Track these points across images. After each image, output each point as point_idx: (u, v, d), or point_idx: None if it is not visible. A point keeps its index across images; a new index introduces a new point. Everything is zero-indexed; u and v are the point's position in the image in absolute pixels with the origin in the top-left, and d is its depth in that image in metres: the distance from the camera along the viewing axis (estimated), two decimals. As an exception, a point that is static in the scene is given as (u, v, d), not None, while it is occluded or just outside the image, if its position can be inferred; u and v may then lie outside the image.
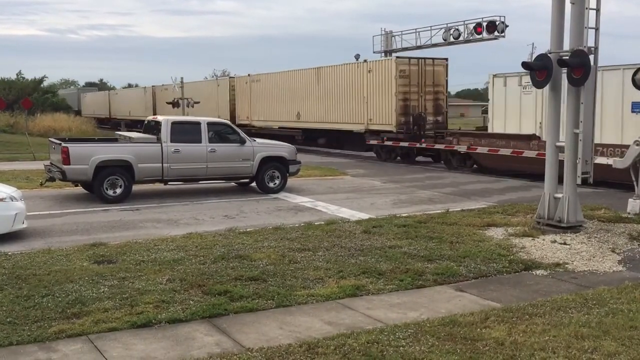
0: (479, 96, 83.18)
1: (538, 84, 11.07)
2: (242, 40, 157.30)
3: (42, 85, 63.10)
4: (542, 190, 11.23)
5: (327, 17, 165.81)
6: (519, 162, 18.89)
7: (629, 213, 12.01)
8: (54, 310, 6.53)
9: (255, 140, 16.32)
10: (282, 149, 16.61)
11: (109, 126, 54.58)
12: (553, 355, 5.41)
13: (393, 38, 31.08)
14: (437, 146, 22.61)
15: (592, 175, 10.61)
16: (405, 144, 24.01)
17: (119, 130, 40.73)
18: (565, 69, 10.50)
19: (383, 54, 30.66)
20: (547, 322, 6.24)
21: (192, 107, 34.27)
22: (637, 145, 11.65)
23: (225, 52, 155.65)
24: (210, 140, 15.35)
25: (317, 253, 9.08)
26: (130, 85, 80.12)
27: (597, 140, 12.84)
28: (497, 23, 25.54)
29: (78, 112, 62.10)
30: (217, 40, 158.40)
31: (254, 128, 33.81)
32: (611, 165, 13.00)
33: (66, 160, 13.77)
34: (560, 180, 10.85)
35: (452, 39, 27.12)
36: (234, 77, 39.70)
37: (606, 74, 16.29)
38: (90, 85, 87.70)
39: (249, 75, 36.03)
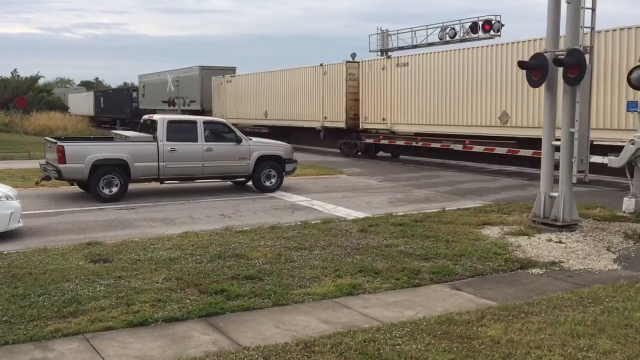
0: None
1: (534, 83, 11.09)
2: (237, 39, 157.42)
3: (37, 84, 62.84)
4: (537, 189, 11.27)
5: (322, 16, 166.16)
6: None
7: (624, 212, 12.05)
8: (50, 309, 6.52)
9: (251, 139, 16.33)
10: (278, 147, 16.62)
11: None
12: (549, 354, 5.43)
13: (389, 37, 31.13)
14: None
15: (587, 174, 10.65)
16: (402, 142, 24.09)
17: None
18: (561, 68, 10.53)
19: (379, 53, 30.69)
20: (543, 321, 6.26)
21: (189, 106, 34.49)
22: (632, 144, 11.68)
23: (220, 51, 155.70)
24: (207, 139, 15.34)
25: (314, 252, 9.09)
26: (125, 84, 77.28)
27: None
28: (492, 22, 25.61)
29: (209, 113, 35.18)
30: (212, 39, 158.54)
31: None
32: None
33: (62, 159, 13.74)
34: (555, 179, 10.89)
35: (448, 38, 27.19)
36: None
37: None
38: (85, 85, 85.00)
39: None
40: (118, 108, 50.40)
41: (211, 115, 36.36)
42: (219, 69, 39.16)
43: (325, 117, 27.80)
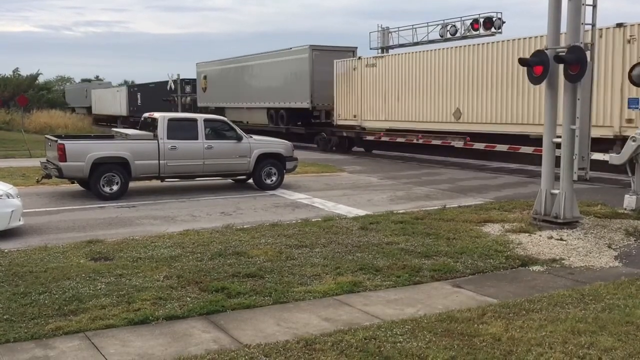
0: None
1: (535, 80, 11.07)
2: (237, 37, 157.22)
3: (37, 82, 62.77)
4: (538, 187, 11.26)
5: (321, 13, 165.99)
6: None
7: (625, 209, 12.04)
8: (50, 307, 6.52)
9: (252, 137, 16.34)
10: (278, 145, 16.63)
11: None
12: (550, 351, 5.43)
13: (390, 34, 31.07)
14: None
15: (588, 171, 10.64)
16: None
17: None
18: (562, 65, 10.51)
19: (380, 51, 30.62)
20: (544, 318, 6.26)
21: (189, 103, 33.43)
22: (634, 141, 11.66)
23: (221, 49, 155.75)
24: (207, 137, 15.35)
25: (314, 249, 9.09)
26: (126, 82, 76.42)
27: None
28: (493, 19, 25.55)
29: None
30: (212, 37, 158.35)
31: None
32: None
33: (62, 157, 13.74)
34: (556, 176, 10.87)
35: (449, 35, 27.12)
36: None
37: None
38: (86, 81, 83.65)
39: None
40: (163, 106, 38.35)
41: (330, 117, 27.47)
42: (337, 49, 28.35)
43: (630, 120, 15.60)
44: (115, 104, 50.52)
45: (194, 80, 39.63)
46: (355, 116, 25.55)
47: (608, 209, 12.18)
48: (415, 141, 22.53)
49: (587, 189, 14.93)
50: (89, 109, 56.23)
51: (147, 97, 45.02)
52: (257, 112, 28.95)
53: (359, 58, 25.52)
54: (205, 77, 35.76)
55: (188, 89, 39.80)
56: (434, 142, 21.80)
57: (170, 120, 15.23)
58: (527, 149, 18.31)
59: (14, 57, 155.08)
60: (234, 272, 7.83)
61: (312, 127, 28.67)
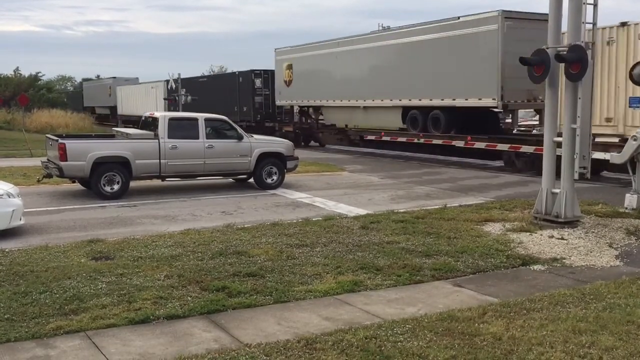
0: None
1: (536, 79, 11.07)
2: (238, 36, 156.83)
3: (38, 82, 62.76)
4: (539, 186, 11.25)
5: (321, 13, 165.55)
6: None
7: (626, 208, 12.02)
8: (51, 307, 6.52)
9: (252, 137, 16.35)
10: (279, 144, 16.63)
11: None
12: (551, 350, 5.43)
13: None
14: None
15: (589, 170, 10.63)
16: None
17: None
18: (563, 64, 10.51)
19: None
20: (545, 317, 6.26)
21: (189, 102, 33.03)
22: (635, 140, 11.64)
23: (222, 48, 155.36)
24: (208, 136, 15.34)
25: (315, 249, 9.08)
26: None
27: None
28: (495, 18, 25.41)
29: None
30: (213, 36, 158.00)
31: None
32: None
33: (63, 156, 13.75)
34: (557, 175, 10.86)
35: (450, 34, 26.95)
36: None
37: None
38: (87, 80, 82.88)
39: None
40: (221, 105, 30.32)
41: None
42: (539, 19, 16.99)
43: None
44: (148, 102, 41.59)
45: (269, 71, 31.16)
46: (609, 120, 15.62)
47: (609, 208, 12.18)
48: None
49: (588, 188, 14.92)
50: (112, 108, 48.88)
51: (198, 94, 34.53)
52: (382, 113, 20.95)
53: (624, 24, 14.97)
54: (290, 67, 27.45)
55: (258, 83, 31.04)
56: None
57: (171, 119, 15.24)
58: (529, 148, 18.37)
59: (15, 56, 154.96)
60: (234, 272, 7.83)
61: (496, 136, 19.66)
